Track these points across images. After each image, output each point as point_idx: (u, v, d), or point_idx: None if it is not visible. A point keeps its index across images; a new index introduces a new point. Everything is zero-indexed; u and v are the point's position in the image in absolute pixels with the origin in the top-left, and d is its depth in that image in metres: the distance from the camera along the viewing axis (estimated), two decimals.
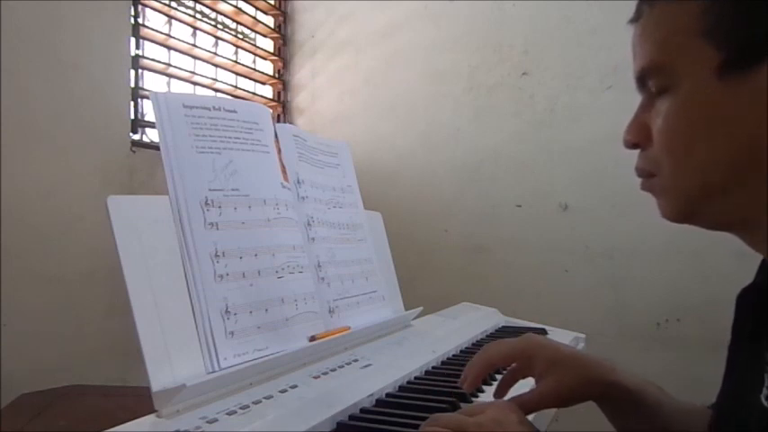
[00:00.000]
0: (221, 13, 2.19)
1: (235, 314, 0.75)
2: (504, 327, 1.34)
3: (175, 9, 1.94)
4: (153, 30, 1.83)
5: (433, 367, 0.94)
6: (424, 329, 1.17)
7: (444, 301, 1.42)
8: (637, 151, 0.59)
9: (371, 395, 0.76)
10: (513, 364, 0.76)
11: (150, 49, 1.84)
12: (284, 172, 0.92)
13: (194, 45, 2.01)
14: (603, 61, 1.97)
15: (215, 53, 2.13)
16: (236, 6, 2.20)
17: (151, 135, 1.79)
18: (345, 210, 1.09)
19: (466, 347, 1.10)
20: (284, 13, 2.46)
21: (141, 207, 0.70)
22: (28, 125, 1.40)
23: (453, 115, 2.21)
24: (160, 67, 1.86)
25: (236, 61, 2.24)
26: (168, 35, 1.89)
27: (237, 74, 2.26)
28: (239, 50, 2.28)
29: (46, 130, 1.44)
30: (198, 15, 2.06)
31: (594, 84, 2.01)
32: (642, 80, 0.57)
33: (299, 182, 0.97)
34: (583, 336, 1.30)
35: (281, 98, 2.46)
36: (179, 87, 1.96)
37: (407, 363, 0.90)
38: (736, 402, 0.51)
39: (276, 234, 0.85)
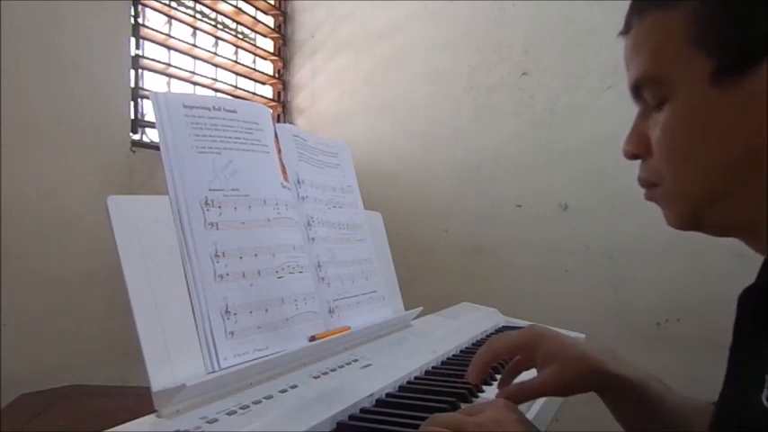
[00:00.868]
0: (221, 13, 2.19)
1: (235, 314, 0.75)
2: (504, 327, 1.34)
3: (175, 9, 1.94)
4: (153, 30, 1.83)
5: (433, 367, 0.94)
6: (424, 329, 1.17)
7: (444, 301, 1.42)
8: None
9: (371, 395, 0.76)
10: (517, 357, 0.77)
11: (150, 49, 1.84)
12: (284, 172, 0.92)
13: (194, 45, 2.01)
14: (603, 61, 1.97)
15: (215, 53, 2.13)
16: (236, 6, 2.20)
17: (151, 135, 1.79)
18: (345, 210, 1.09)
19: (466, 347, 1.10)
20: (284, 13, 2.46)
21: (141, 207, 0.70)
22: (28, 125, 1.40)
23: (453, 115, 2.21)
24: (160, 67, 1.86)
25: (236, 61, 2.24)
26: (168, 35, 1.89)
27: (237, 74, 2.26)
28: (239, 50, 2.28)
29: (46, 130, 1.44)
30: (198, 15, 2.06)
31: (594, 84, 2.01)
32: (637, 91, 0.57)
33: (299, 182, 0.97)
34: (583, 336, 1.30)
35: (281, 98, 2.46)
36: (179, 87, 1.96)
37: (407, 363, 0.90)
38: (738, 403, 0.51)
39: (276, 234, 0.85)
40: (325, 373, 0.80)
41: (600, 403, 0.75)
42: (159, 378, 0.63)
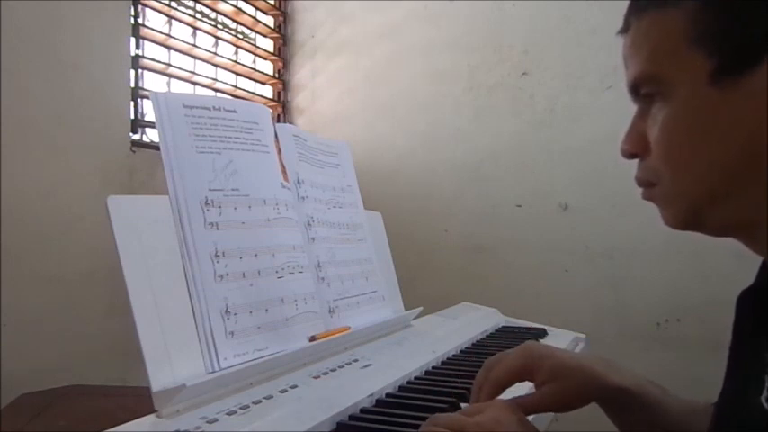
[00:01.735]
0: (221, 13, 2.19)
1: (235, 314, 0.75)
2: (504, 327, 1.34)
3: (175, 9, 1.94)
4: (153, 30, 1.83)
5: (433, 367, 0.94)
6: (424, 329, 1.17)
7: (444, 301, 1.42)
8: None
9: (371, 395, 0.76)
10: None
11: (150, 49, 1.84)
12: (284, 172, 0.92)
13: (194, 45, 2.01)
14: (603, 61, 1.97)
15: (215, 53, 2.13)
16: (236, 6, 2.20)
17: (151, 135, 1.79)
18: (345, 210, 1.09)
19: (466, 347, 1.10)
20: (284, 13, 2.46)
21: (141, 207, 0.70)
22: (28, 125, 1.40)
23: (453, 115, 2.21)
24: (160, 67, 1.86)
25: (236, 61, 2.24)
26: (168, 35, 1.89)
27: (237, 74, 2.26)
28: (239, 50, 2.28)
29: (46, 130, 1.44)
30: (198, 15, 2.06)
31: (594, 84, 2.01)
32: (636, 90, 0.57)
33: (299, 182, 0.97)
34: (583, 336, 1.30)
35: (281, 98, 2.46)
36: (179, 87, 1.96)
37: (407, 363, 0.90)
38: (737, 404, 0.51)
39: (276, 234, 0.85)
40: (325, 373, 0.80)
41: None
42: (159, 378, 0.63)
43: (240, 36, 2.29)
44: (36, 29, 1.42)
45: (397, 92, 2.29)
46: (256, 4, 2.34)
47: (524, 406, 0.69)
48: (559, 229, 2.05)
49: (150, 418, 0.61)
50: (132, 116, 1.71)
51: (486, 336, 1.23)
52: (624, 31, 0.58)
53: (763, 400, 0.45)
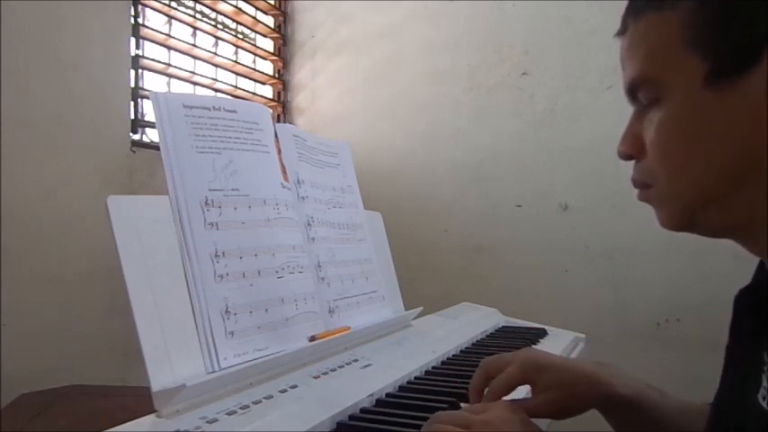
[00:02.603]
0: (221, 13, 2.19)
1: (235, 314, 0.75)
2: (504, 327, 1.34)
3: (175, 9, 1.94)
4: (153, 30, 1.83)
5: (433, 367, 0.94)
6: (424, 329, 1.16)
7: (444, 301, 1.42)
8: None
9: (371, 395, 0.76)
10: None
11: (150, 49, 1.84)
12: (284, 172, 0.92)
13: (194, 45, 2.01)
14: (603, 61, 1.97)
15: (215, 53, 2.13)
16: (236, 6, 2.20)
17: (151, 135, 1.79)
18: (345, 210, 1.09)
19: (466, 347, 1.10)
20: (284, 13, 2.46)
21: (141, 207, 0.70)
22: (28, 125, 1.40)
23: (453, 115, 2.21)
24: (160, 67, 1.86)
25: (236, 61, 2.24)
26: (168, 35, 1.89)
27: (237, 74, 2.26)
28: (239, 50, 2.28)
29: (46, 130, 1.44)
30: (198, 15, 2.06)
31: (594, 84, 2.01)
32: (632, 92, 0.57)
33: (299, 182, 0.97)
34: (583, 336, 1.30)
35: (281, 98, 2.46)
36: (179, 87, 1.96)
37: (407, 363, 0.90)
38: (734, 403, 0.51)
39: (276, 234, 0.85)
40: (325, 373, 0.80)
41: None
42: (159, 378, 0.63)
43: (240, 36, 2.29)
44: (36, 29, 1.42)
45: (397, 92, 2.29)
46: (256, 4, 2.34)
47: (523, 409, 0.70)
48: (559, 229, 2.05)
49: (150, 418, 0.61)
50: (132, 116, 1.71)
51: (486, 336, 1.23)
52: (622, 32, 0.58)
53: (760, 399, 0.45)
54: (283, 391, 0.71)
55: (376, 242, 1.16)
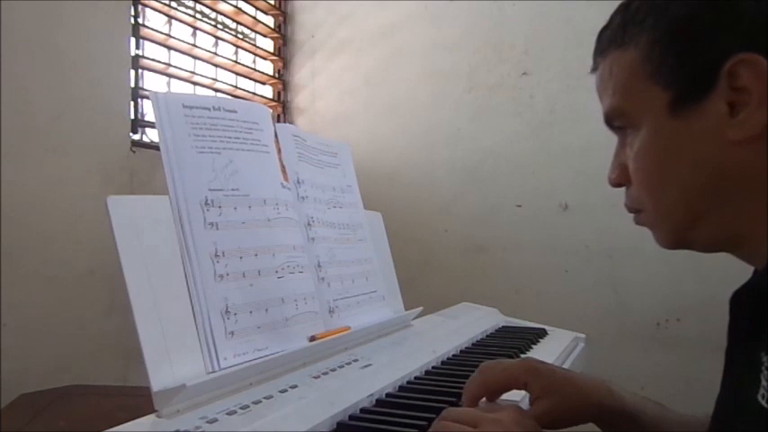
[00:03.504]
0: (221, 13, 2.19)
1: (235, 314, 0.75)
2: (504, 327, 1.34)
3: (175, 9, 1.94)
4: (153, 30, 1.83)
5: (433, 367, 0.94)
6: (424, 329, 1.16)
7: (444, 301, 1.42)
8: None
9: (371, 395, 0.76)
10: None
11: (150, 49, 1.84)
12: (284, 172, 0.92)
13: (194, 45, 2.01)
14: None
15: (215, 53, 2.13)
16: (236, 6, 2.20)
17: (151, 135, 1.79)
18: (345, 210, 1.09)
19: (466, 347, 1.10)
20: (284, 13, 2.46)
21: (141, 207, 0.70)
22: (28, 125, 1.40)
23: (453, 115, 2.21)
24: (160, 67, 1.86)
25: (236, 61, 2.24)
26: (168, 35, 1.89)
27: (237, 74, 2.26)
28: (239, 50, 2.28)
29: (46, 131, 1.44)
30: (198, 15, 2.06)
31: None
32: (610, 124, 0.62)
33: (299, 182, 0.97)
34: (583, 336, 1.30)
35: (281, 98, 2.46)
36: (179, 87, 1.96)
37: (407, 363, 0.90)
38: (734, 404, 0.51)
39: (276, 234, 0.85)
40: (325, 373, 0.80)
41: None
42: (159, 378, 0.63)
43: (240, 36, 2.29)
44: (36, 29, 1.42)
45: (397, 92, 2.29)
46: (256, 4, 2.34)
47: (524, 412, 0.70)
48: (559, 229, 2.05)
49: (150, 418, 0.61)
50: (132, 116, 1.71)
51: (486, 336, 1.23)
52: (594, 69, 0.63)
53: (760, 398, 0.45)
54: (283, 391, 0.71)
55: (376, 242, 1.16)
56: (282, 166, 0.92)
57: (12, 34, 1.35)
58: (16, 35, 1.36)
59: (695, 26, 0.53)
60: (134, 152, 1.68)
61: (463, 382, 0.81)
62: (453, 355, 1.03)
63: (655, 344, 1.94)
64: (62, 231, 1.46)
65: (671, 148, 0.55)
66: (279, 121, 2.40)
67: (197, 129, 0.79)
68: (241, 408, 0.64)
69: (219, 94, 2.13)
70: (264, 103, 2.34)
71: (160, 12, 1.89)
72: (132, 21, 1.72)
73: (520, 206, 2.11)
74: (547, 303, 2.00)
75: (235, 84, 2.22)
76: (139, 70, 1.77)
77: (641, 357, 1.92)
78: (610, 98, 0.60)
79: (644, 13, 0.56)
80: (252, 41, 2.35)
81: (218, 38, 2.16)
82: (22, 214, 1.36)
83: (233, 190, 0.80)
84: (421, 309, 1.21)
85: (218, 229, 0.77)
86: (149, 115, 1.77)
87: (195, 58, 2.05)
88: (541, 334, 1.25)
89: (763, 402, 0.45)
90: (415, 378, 0.88)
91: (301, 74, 2.46)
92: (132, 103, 1.71)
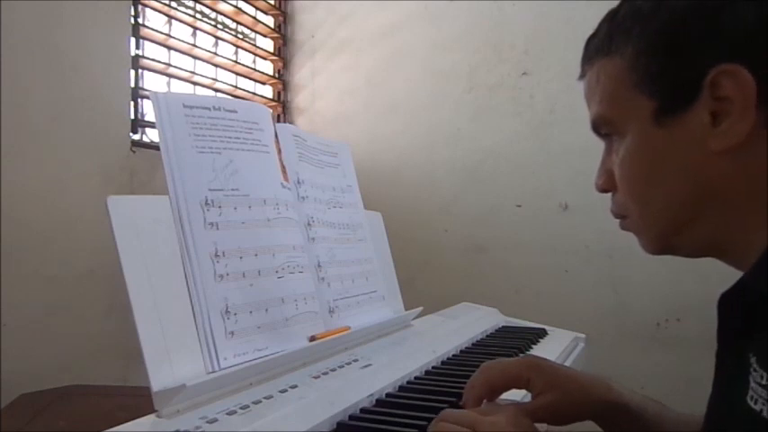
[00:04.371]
0: (221, 13, 2.19)
1: (235, 314, 0.75)
2: (504, 327, 1.34)
3: (175, 9, 1.94)
4: (153, 30, 1.83)
5: (433, 367, 0.94)
6: (424, 329, 1.16)
7: (444, 301, 1.42)
8: None
9: (371, 395, 0.76)
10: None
11: (150, 49, 1.84)
12: (284, 172, 0.92)
13: (194, 45, 2.01)
14: None
15: (215, 53, 2.13)
16: (236, 6, 2.20)
17: (151, 135, 1.79)
18: (345, 210, 1.09)
19: (466, 347, 1.10)
20: (284, 13, 2.46)
21: (141, 207, 0.70)
22: (28, 125, 1.40)
23: (453, 115, 2.21)
24: (160, 67, 1.86)
25: (236, 61, 2.24)
26: (168, 35, 1.89)
27: (237, 74, 2.26)
28: (239, 50, 2.28)
29: (46, 130, 1.44)
30: (198, 15, 2.06)
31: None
32: (597, 131, 0.62)
33: (299, 182, 0.97)
34: (583, 336, 1.30)
35: (281, 98, 2.46)
36: (179, 87, 1.96)
37: (407, 363, 0.90)
38: (724, 406, 0.52)
39: (276, 234, 0.85)
40: (325, 373, 0.80)
41: None
42: (159, 378, 0.63)
43: (240, 36, 2.29)
44: (36, 29, 1.42)
45: (397, 92, 2.29)
46: (256, 4, 2.35)
47: (521, 412, 0.70)
48: (559, 229, 2.05)
49: (150, 418, 0.61)
50: (132, 116, 1.71)
51: (486, 336, 1.23)
52: (582, 77, 0.63)
53: (749, 400, 0.45)
54: (283, 391, 0.71)
55: (376, 242, 1.16)
56: (282, 166, 0.92)
57: (12, 34, 1.35)
58: (16, 35, 1.36)
59: (679, 37, 0.53)
60: (134, 152, 1.68)
61: (463, 383, 0.81)
62: (453, 355, 1.03)
63: (655, 344, 1.94)
64: (62, 231, 1.46)
65: (655, 157, 0.56)
66: (279, 121, 2.40)
67: (197, 129, 0.79)
68: (241, 408, 0.64)
69: (219, 94, 2.13)
70: (264, 103, 2.34)
71: (160, 12, 1.89)
72: (132, 21, 1.72)
73: (520, 206, 2.11)
74: (547, 303, 2.00)
75: (235, 84, 2.22)
76: (139, 70, 1.77)
77: (641, 357, 1.92)
78: (596, 106, 0.60)
79: (630, 23, 0.57)
80: (252, 41, 2.35)
81: (218, 38, 2.16)
82: (22, 214, 1.36)
83: (233, 190, 0.80)
84: (421, 309, 1.21)
85: (218, 229, 0.77)
86: (149, 115, 1.77)
87: (195, 58, 2.05)
88: (541, 334, 1.25)
89: (752, 404, 0.45)
90: (415, 378, 0.88)
91: (301, 74, 2.46)
92: (132, 103, 1.71)
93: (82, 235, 1.47)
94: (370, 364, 0.86)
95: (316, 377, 0.78)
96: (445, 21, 2.22)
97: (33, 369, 1.29)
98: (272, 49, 2.44)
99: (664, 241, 0.59)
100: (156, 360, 0.64)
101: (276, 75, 2.46)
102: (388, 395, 0.78)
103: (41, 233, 1.41)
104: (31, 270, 1.38)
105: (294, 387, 0.73)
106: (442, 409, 0.71)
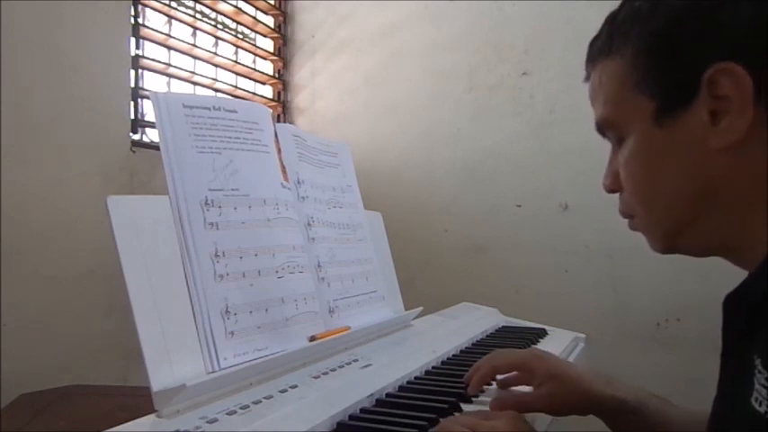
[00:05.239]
0: (221, 13, 2.19)
1: (235, 314, 0.75)
2: (504, 327, 1.34)
3: (175, 9, 1.94)
4: (153, 30, 1.83)
5: (433, 367, 0.94)
6: (424, 329, 1.16)
7: (444, 301, 1.42)
8: None
9: (371, 395, 0.76)
10: (515, 372, 0.80)
11: (150, 49, 1.84)
12: (284, 172, 0.92)
13: (194, 45, 2.01)
14: None
15: (215, 53, 2.13)
16: (236, 6, 2.20)
17: (151, 135, 1.79)
18: (345, 210, 1.09)
19: (466, 347, 1.10)
20: (284, 13, 2.46)
21: (141, 207, 0.70)
22: (28, 125, 1.40)
23: (453, 115, 2.21)
24: (160, 67, 1.86)
25: (236, 61, 2.24)
26: (168, 35, 1.89)
27: (237, 74, 2.26)
28: (239, 50, 2.28)
29: (46, 130, 1.44)
30: (198, 15, 2.06)
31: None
32: (601, 132, 0.63)
33: (299, 182, 0.97)
34: (583, 336, 1.30)
35: (281, 98, 2.46)
36: (179, 87, 1.96)
37: (407, 363, 0.90)
38: (729, 408, 0.52)
39: (276, 234, 0.85)
40: (325, 373, 0.80)
41: None
42: (159, 378, 0.63)
43: (240, 36, 2.29)
44: (36, 29, 1.42)
45: (397, 92, 2.29)
46: (256, 4, 2.34)
47: (520, 404, 0.71)
48: (559, 229, 2.05)
49: (150, 418, 0.61)
50: (132, 116, 1.71)
51: (486, 336, 1.23)
52: (586, 78, 0.64)
53: (753, 402, 0.45)
54: (283, 391, 0.71)
55: (376, 242, 1.16)
56: (282, 166, 0.92)
57: (12, 34, 1.35)
58: (16, 35, 1.36)
59: (677, 37, 0.54)
60: (134, 152, 1.68)
61: (463, 382, 0.81)
62: (453, 355, 1.03)
63: (655, 344, 1.94)
64: (62, 231, 1.46)
65: (657, 157, 0.56)
66: (279, 121, 2.40)
67: (197, 129, 0.79)
68: (241, 408, 0.64)
69: (219, 94, 2.13)
70: (264, 103, 2.34)
71: (160, 12, 1.89)
72: (132, 21, 1.72)
73: (520, 206, 2.11)
74: (547, 303, 1.99)
75: (235, 84, 2.22)
76: (139, 70, 1.77)
77: (641, 357, 1.92)
78: (600, 108, 0.61)
79: (629, 24, 0.58)
80: (252, 41, 2.35)
81: (218, 38, 2.16)
82: (22, 214, 1.36)
83: (233, 190, 0.80)
84: (421, 309, 1.21)
85: (218, 229, 0.77)
86: (149, 115, 1.77)
87: (195, 58, 2.05)
88: (541, 334, 1.26)
89: (756, 405, 0.45)
90: (415, 378, 0.88)
91: (301, 74, 2.46)
92: (132, 103, 1.71)
93: (82, 235, 1.47)
94: (370, 364, 0.86)
95: (316, 377, 0.78)
96: (445, 21, 2.22)
97: (33, 369, 1.29)
98: (272, 49, 2.44)
99: (670, 240, 0.60)
100: (156, 360, 0.64)
101: (276, 75, 2.45)
102: (388, 395, 0.78)
103: (41, 233, 1.41)
104: (31, 270, 1.38)
105: (294, 387, 0.73)
106: (442, 409, 0.71)
